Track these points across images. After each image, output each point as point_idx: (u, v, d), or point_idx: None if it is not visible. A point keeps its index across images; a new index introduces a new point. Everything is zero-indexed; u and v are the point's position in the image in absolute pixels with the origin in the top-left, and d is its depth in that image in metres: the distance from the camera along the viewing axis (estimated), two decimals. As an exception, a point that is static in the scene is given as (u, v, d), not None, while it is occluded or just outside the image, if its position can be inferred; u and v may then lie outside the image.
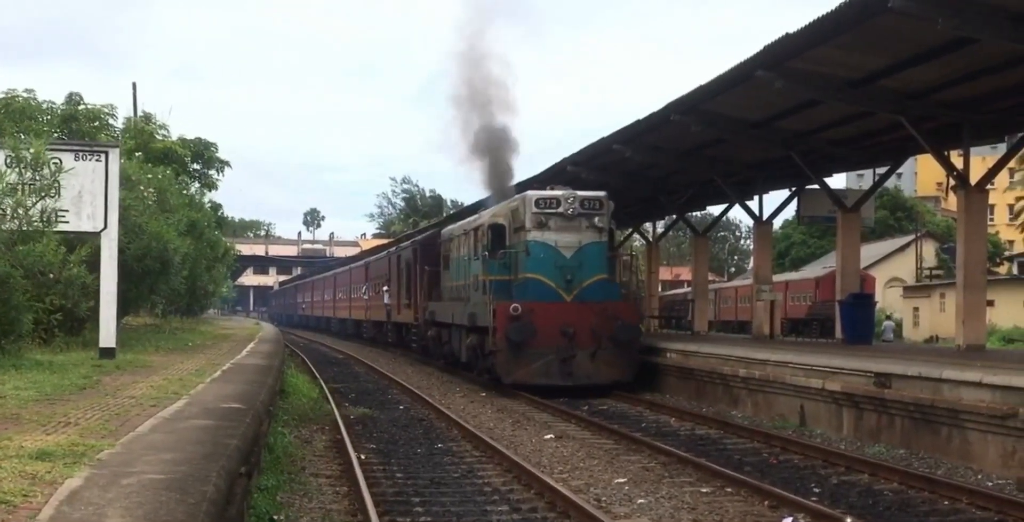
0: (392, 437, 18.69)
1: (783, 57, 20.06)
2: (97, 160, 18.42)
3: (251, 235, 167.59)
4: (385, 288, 46.48)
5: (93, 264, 19.08)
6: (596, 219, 27.35)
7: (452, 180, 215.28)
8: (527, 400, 25.05)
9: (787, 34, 19.09)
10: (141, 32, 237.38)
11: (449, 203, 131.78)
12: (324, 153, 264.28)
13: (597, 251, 27.82)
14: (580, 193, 27.60)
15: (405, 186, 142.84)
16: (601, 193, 27.94)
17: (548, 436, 18.91)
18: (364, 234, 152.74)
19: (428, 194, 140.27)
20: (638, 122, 28.17)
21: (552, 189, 28.24)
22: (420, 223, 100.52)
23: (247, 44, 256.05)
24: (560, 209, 27.38)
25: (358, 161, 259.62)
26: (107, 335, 18.82)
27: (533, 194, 27.65)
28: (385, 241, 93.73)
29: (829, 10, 17.29)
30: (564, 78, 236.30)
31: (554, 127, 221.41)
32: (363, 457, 15.92)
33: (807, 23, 18.23)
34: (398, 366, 38.26)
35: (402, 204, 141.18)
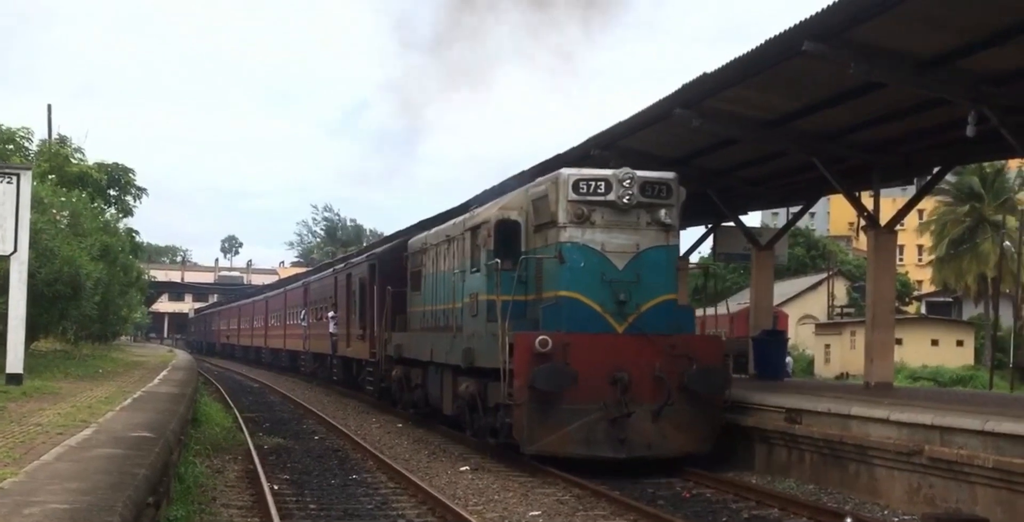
0: (306, 467, 17.74)
1: (701, 96, 19.51)
2: (8, 182, 17.30)
3: (167, 261, 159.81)
4: (331, 314, 35.35)
5: (1, 288, 18.86)
6: (662, 212, 17.02)
7: (373, 209, 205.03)
8: (444, 432, 22.75)
9: (704, 73, 18.41)
10: (43, 53, 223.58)
11: (369, 232, 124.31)
12: (243, 179, 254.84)
13: (663, 259, 17.93)
14: (642, 173, 17.43)
15: (326, 214, 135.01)
16: (670, 174, 17.65)
17: (464, 468, 17.80)
18: (283, 262, 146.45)
19: (349, 223, 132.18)
20: (559, 156, 24.52)
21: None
22: (338, 253, 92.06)
23: (155, 68, 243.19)
24: (611, 196, 17.32)
25: (277, 188, 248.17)
26: (14, 360, 17.67)
27: (571, 173, 17.85)
28: (303, 269, 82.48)
29: (746, 51, 16.71)
30: (488, 110, 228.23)
31: (477, 157, 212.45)
32: (276, 488, 15.04)
33: (724, 64, 17.49)
34: (314, 396, 35.81)
35: (322, 232, 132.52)
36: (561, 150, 23.32)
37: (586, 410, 16.64)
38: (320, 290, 39.38)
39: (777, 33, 15.66)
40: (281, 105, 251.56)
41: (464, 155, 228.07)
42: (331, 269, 39.80)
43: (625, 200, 17.01)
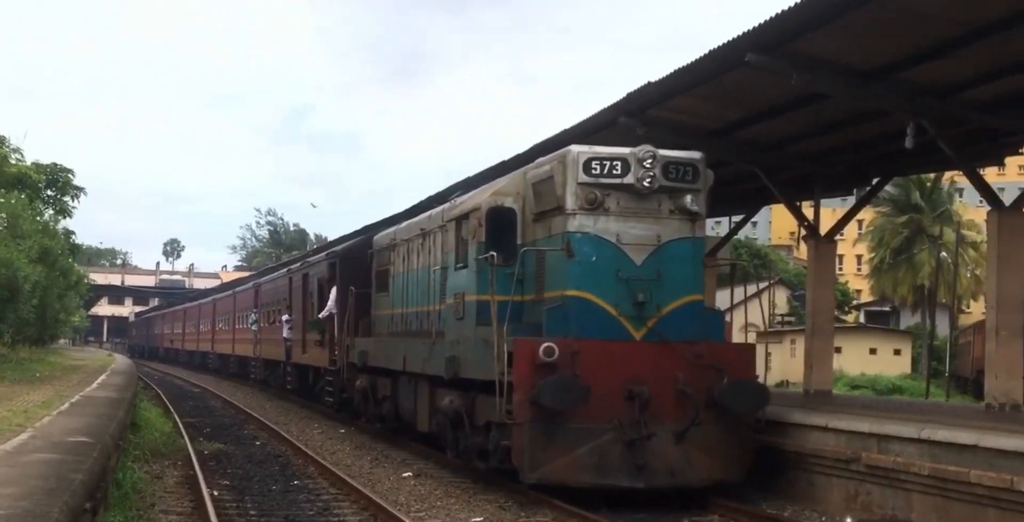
0: (247, 473, 17.15)
1: (645, 105, 18.17)
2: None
3: (107, 264, 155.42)
4: (285, 318, 31.92)
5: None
6: (688, 198, 13.92)
7: (316, 214, 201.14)
8: (386, 438, 21.85)
9: (649, 83, 17.48)
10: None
11: (313, 237, 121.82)
12: (186, 182, 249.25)
13: (688, 253, 15.02)
14: (665, 152, 13.60)
15: (269, 218, 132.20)
16: (696, 154, 14.25)
17: (407, 474, 17.14)
18: (225, 266, 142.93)
19: (292, 227, 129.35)
20: (502, 163, 22.56)
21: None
22: (282, 257, 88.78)
23: (94, 70, 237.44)
24: (629, 178, 14.17)
25: (221, 192, 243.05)
26: (-55, 365, 17.27)
27: (581, 151, 14.87)
28: (247, 274, 78.89)
29: (690, 61, 16.23)
30: (436, 115, 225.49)
31: (420, 164, 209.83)
32: (216, 493, 14.51)
33: (668, 73, 16.97)
34: (256, 401, 34.44)
35: (266, 236, 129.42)
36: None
37: (598, 431, 13.78)
38: (273, 292, 36.04)
39: (720, 44, 15.24)
40: (224, 108, 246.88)
41: (408, 161, 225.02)
42: (285, 269, 36.42)
43: (646, 183, 14.07)
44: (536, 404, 13.50)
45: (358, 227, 34.82)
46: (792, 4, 13.65)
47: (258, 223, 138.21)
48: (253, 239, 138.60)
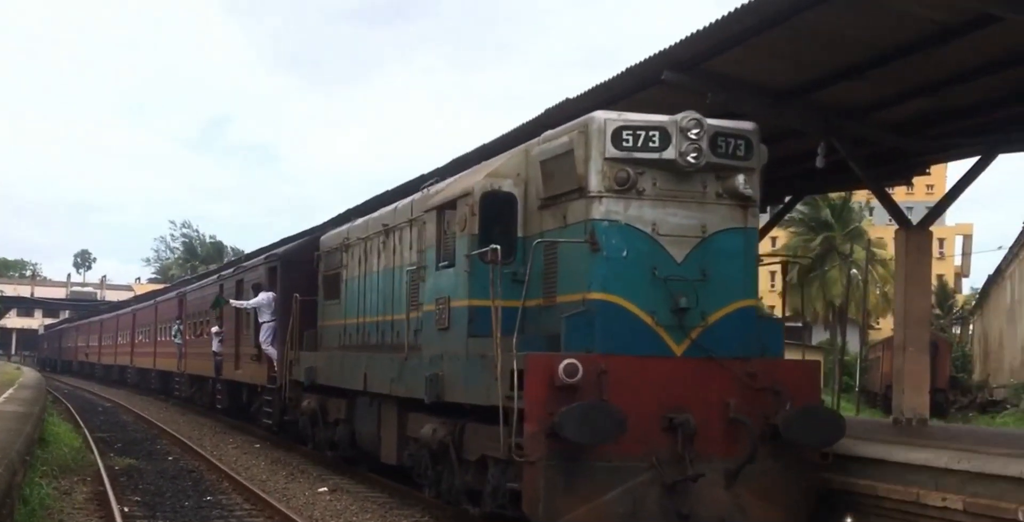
0: (159, 489, 16.72)
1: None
2: None
3: (15, 275, 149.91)
4: (214, 329, 28.46)
5: None
6: (740, 180, 10.81)
7: (234, 227, 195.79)
8: (304, 453, 21.02)
9: (567, 99, 16.25)
10: None
11: (230, 250, 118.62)
12: (98, 193, 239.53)
13: (740, 248, 12.10)
14: (714, 121, 10.29)
15: (184, 230, 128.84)
16: (748, 124, 10.98)
17: (322, 489, 16.68)
18: (139, 278, 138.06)
19: (208, 239, 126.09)
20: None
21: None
22: (199, 269, 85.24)
23: (2, 76, 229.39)
24: (669, 152, 11.26)
25: (134, 202, 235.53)
26: None
27: (609, 117, 11.74)
28: (160, 286, 75.05)
29: (607, 78, 15.28)
30: (351, 129, 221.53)
31: (340, 176, 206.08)
32: (127, 510, 14.34)
33: (585, 90, 15.79)
34: (169, 416, 33.47)
35: (180, 248, 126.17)
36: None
37: (631, 470, 10.80)
38: (201, 301, 32.41)
39: (637, 62, 14.59)
40: (139, 117, 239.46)
41: (327, 173, 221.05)
42: (215, 276, 32.76)
43: (691, 158, 11.08)
44: (555, 437, 10.50)
45: (275, 239, 31.80)
46: (705, 24, 13.18)
47: (173, 235, 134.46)
48: (168, 251, 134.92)
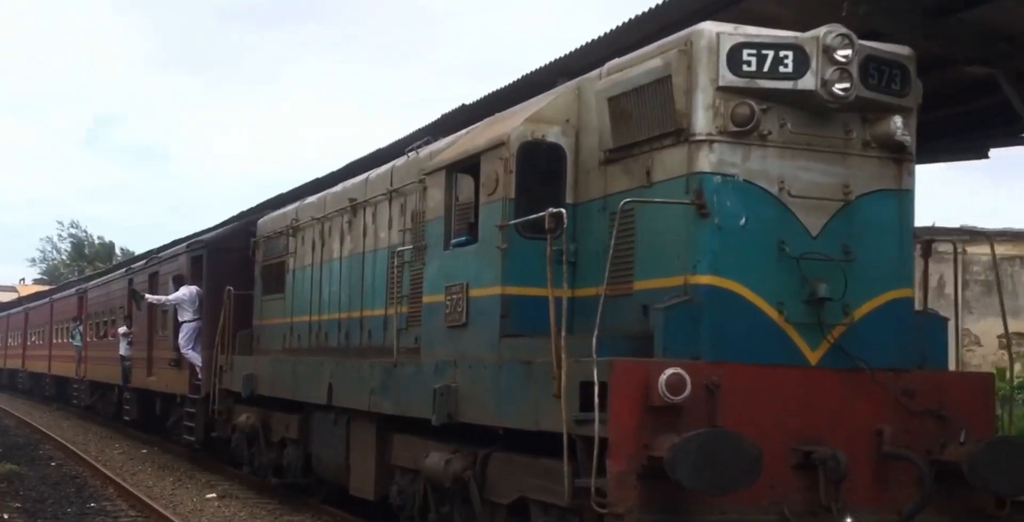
0: (41, 495, 16.05)
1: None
2: None
3: None
4: (122, 330, 24.50)
5: None
6: (896, 123, 7.03)
7: (124, 228, 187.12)
8: (192, 458, 20.28)
9: (463, 105, 15.34)
10: None
11: (120, 252, 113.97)
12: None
13: (892, 216, 8.55)
14: (865, 42, 6.74)
15: (72, 231, 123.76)
16: (903, 48, 7.42)
17: (211, 495, 16.12)
18: (23, 279, 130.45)
19: (97, 240, 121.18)
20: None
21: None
22: (86, 270, 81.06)
23: None
24: (805, 82, 8.00)
25: (17, 202, 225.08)
26: None
27: (723, 31, 8.12)
28: (47, 287, 69.93)
29: (503, 85, 14.49)
30: (244, 130, 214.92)
31: (232, 178, 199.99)
32: (7, 517, 14.03)
33: (481, 96, 14.89)
34: (52, 420, 32.27)
35: (69, 249, 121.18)
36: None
37: (755, 523, 7.43)
38: (105, 299, 28.24)
39: (532, 69, 13.74)
40: (24, 115, 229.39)
41: (219, 175, 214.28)
42: (124, 269, 28.48)
43: (838, 90, 7.77)
44: (651, 479, 7.24)
45: (166, 242, 28.26)
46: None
47: (60, 235, 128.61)
48: (55, 252, 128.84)
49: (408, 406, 10.42)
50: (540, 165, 9.19)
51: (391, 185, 12.36)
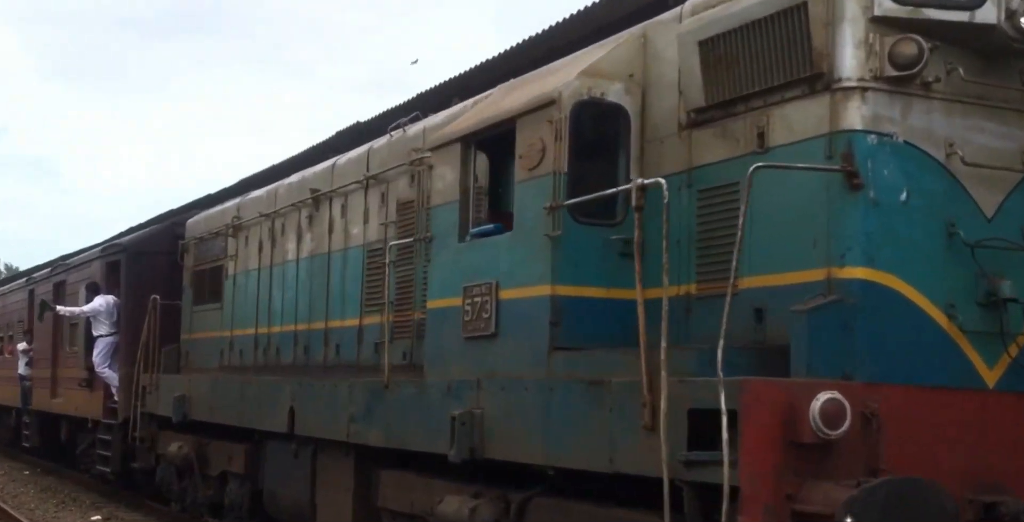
0: None
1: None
2: None
3: None
4: (21, 347, 21.61)
5: None
6: None
7: (9, 243, 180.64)
8: (76, 479, 19.59)
9: (358, 122, 15.41)
10: None
11: (3, 267, 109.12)
12: None
13: None
14: None
15: None
16: None
17: (95, 517, 15.28)
18: None
19: None
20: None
21: None
22: None
23: None
24: (985, 13, 5.86)
25: None
26: None
27: None
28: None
29: (400, 102, 14.79)
30: (138, 144, 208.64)
31: (126, 193, 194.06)
32: None
33: (377, 114, 15.11)
34: None
35: None
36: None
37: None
38: (1, 312, 25.17)
39: (429, 87, 13.62)
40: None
41: (109, 189, 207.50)
42: (24, 279, 25.33)
43: (1027, 24, 5.83)
44: (799, 542, 5.18)
45: (53, 257, 25.67)
46: None
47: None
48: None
49: (406, 437, 8.19)
50: (597, 132, 7.10)
51: (367, 171, 10.13)
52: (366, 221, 10.13)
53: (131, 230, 20.16)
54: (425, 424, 7.88)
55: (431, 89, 13.79)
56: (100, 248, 17.80)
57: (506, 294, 7.28)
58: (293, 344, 11.36)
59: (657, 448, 5.61)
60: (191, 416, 12.88)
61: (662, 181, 5.89)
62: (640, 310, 5.91)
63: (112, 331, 16.11)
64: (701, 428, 5.54)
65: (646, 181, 5.94)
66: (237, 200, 13.64)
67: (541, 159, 7.01)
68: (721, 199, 6.37)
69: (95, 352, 16.17)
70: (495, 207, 8.21)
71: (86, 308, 16.31)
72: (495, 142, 7.81)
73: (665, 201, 5.79)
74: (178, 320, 14.83)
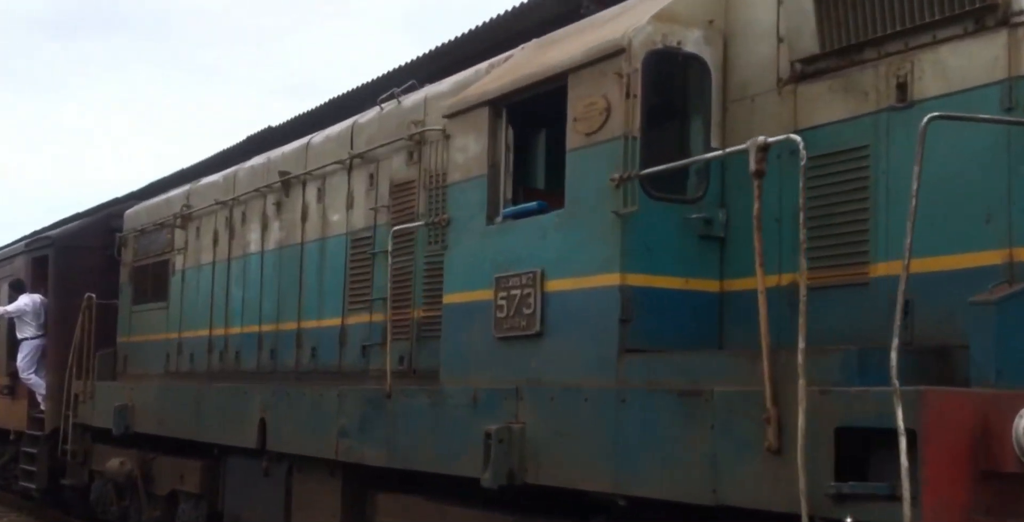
0: None
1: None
2: None
3: None
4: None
5: None
6: None
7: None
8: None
9: (269, 127, 15.60)
10: None
11: None
12: None
13: None
14: None
15: None
16: None
17: None
18: None
19: None
20: None
21: None
22: None
23: None
24: None
25: None
26: None
27: None
28: None
29: (312, 107, 15.08)
30: (42, 146, 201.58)
31: (27, 198, 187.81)
32: None
33: (290, 118, 15.13)
34: None
35: None
36: None
37: None
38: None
39: (342, 93, 13.37)
40: None
41: (14, 194, 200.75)
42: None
43: None
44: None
45: None
46: None
47: None
48: None
49: (415, 456, 6.77)
50: (670, 90, 5.80)
51: (352, 149, 8.72)
52: (350, 206, 8.70)
53: (60, 223, 18.29)
54: (442, 441, 6.48)
55: (345, 93, 13.46)
56: (25, 242, 15.98)
57: (555, 285, 5.92)
58: (257, 347, 9.84)
59: (788, 476, 4.32)
60: (134, 428, 11.22)
61: (796, 138, 4.59)
62: (761, 299, 4.60)
63: (39, 333, 14.34)
64: (848, 450, 4.30)
65: (771, 139, 4.65)
66: (186, 187, 12.02)
67: (604, 121, 5.68)
68: (842, 167, 5.10)
69: (20, 356, 14.36)
70: (522, 184, 6.89)
71: (10, 308, 14.49)
72: (531, 106, 6.47)
73: (803, 162, 4.51)
74: (114, 321, 13.14)
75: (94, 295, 12.72)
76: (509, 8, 10.88)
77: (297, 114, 14.56)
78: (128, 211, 13.54)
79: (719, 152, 5.22)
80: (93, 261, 13.72)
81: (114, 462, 11.59)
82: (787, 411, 4.43)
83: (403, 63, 12.43)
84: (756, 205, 4.67)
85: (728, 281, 5.64)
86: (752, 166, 4.66)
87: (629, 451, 5.25)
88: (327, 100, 13.98)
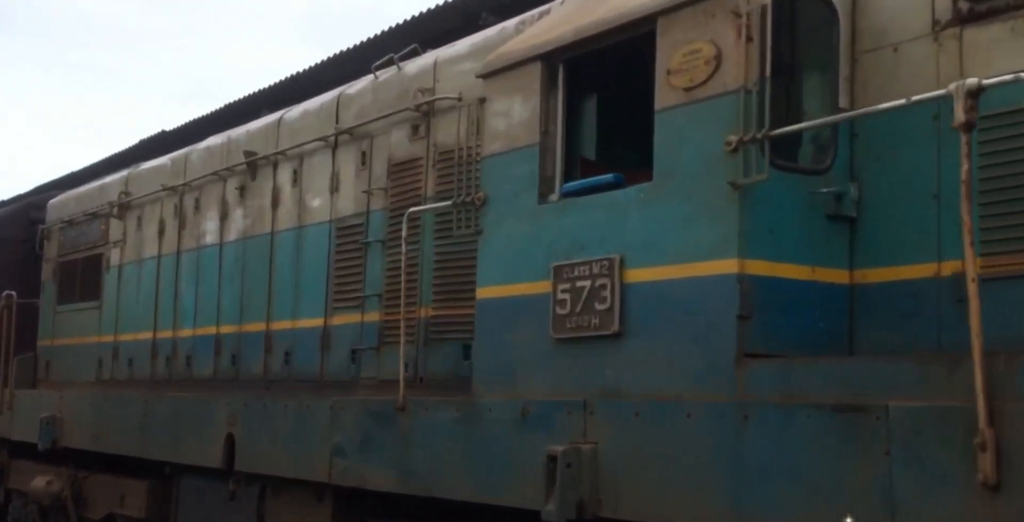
0: None
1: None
2: None
3: None
4: None
5: None
6: None
7: None
8: None
9: (163, 131, 15.04)
10: None
11: None
12: None
13: None
14: None
15: None
16: None
17: None
18: None
19: None
20: None
21: None
22: None
23: None
24: None
25: None
26: None
27: None
28: None
29: (209, 112, 14.83)
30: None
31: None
32: None
33: (188, 121, 15.02)
34: None
35: None
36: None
37: None
38: None
39: (238, 98, 13.17)
40: None
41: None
42: None
43: None
44: None
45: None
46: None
47: None
48: None
49: (443, 482, 5.50)
50: (790, 39, 4.70)
51: (338, 124, 7.43)
52: (335, 190, 7.41)
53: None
54: (479, 464, 5.24)
55: (241, 99, 13.38)
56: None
57: (639, 274, 4.73)
58: (214, 352, 8.47)
59: (1010, 520, 3.26)
60: (63, 443, 9.73)
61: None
62: (971, 289, 3.52)
63: (-55, 336, 12.72)
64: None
65: (986, 81, 3.57)
66: (124, 173, 10.53)
67: (714, 71, 4.51)
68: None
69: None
70: (575, 155, 5.71)
71: None
72: (593, 61, 5.30)
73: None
74: (34, 323, 11.61)
75: (14, 293, 11.17)
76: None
77: (193, 118, 14.40)
78: (52, 200, 11.94)
79: (882, 105, 4.11)
80: (9, 255, 12.11)
81: (39, 481, 10.01)
82: (1009, 433, 3.36)
83: (301, 69, 12.42)
84: (964, 165, 3.55)
85: (860, 271, 4.56)
86: (960, 116, 3.55)
87: (754, 481, 4.09)
88: (224, 105, 13.74)
